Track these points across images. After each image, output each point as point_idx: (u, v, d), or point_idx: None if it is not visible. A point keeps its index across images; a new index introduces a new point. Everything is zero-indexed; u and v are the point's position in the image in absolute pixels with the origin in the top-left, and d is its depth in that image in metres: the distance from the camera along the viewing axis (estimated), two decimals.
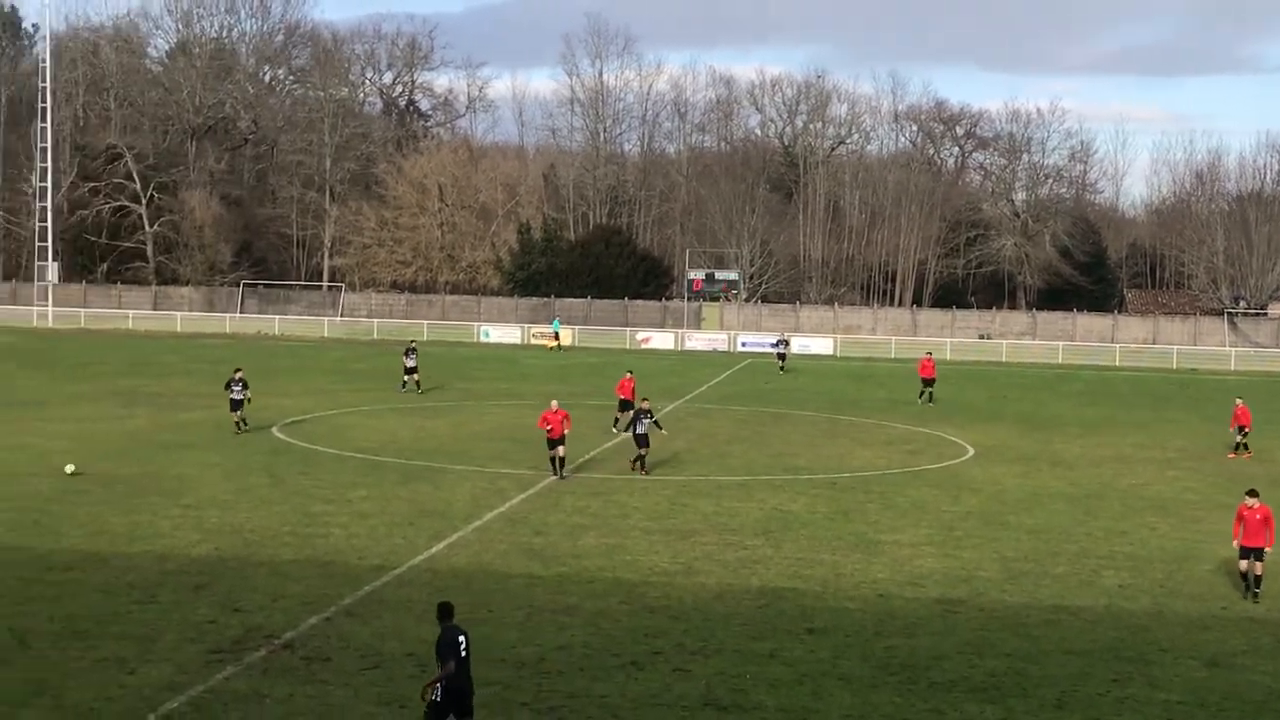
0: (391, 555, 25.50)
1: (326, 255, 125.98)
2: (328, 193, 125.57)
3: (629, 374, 46.49)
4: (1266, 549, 23.81)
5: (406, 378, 55.28)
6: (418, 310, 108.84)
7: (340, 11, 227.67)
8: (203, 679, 18.07)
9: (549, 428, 34.39)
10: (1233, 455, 42.60)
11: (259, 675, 18.37)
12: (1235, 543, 24.19)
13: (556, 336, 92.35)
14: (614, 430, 43.17)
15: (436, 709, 14.95)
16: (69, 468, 32.94)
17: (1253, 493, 24.34)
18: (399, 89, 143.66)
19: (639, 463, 35.69)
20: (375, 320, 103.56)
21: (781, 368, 73.97)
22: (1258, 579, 23.94)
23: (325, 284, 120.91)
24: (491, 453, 39.00)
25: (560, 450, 34.42)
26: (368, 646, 19.64)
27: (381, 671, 18.55)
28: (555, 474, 34.22)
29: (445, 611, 15.64)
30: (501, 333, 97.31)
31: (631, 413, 39.10)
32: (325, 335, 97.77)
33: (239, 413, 41.60)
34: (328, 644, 19.77)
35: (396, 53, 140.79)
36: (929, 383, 57.02)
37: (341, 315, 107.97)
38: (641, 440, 35.77)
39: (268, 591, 22.57)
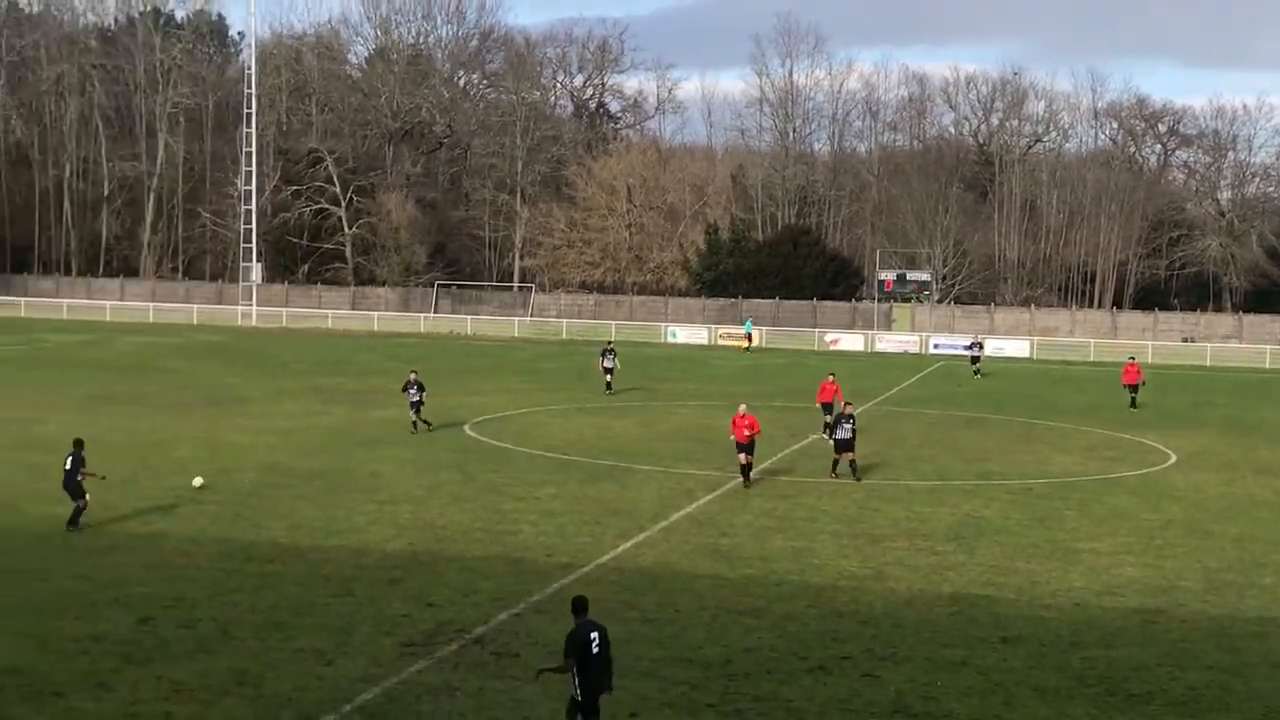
0: (579, 553, 25.68)
1: (517, 256, 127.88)
2: (519, 195, 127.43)
3: (830, 376, 44.60)
4: None
5: (609, 378, 55.83)
6: (606, 311, 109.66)
7: (532, 16, 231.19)
8: (396, 671, 18.42)
9: (736, 432, 33.63)
10: None
11: (450, 669, 18.65)
12: None
13: (749, 337, 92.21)
14: (824, 436, 40.96)
15: (577, 705, 14.96)
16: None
17: None
18: (589, 91, 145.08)
19: (843, 466, 34.57)
20: (564, 320, 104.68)
21: (975, 370, 72.52)
22: None
23: (516, 285, 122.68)
24: (678, 453, 39.04)
25: (748, 459, 33.67)
26: (555, 644, 19.66)
27: None
28: (742, 478, 33.86)
29: (578, 606, 15.33)
30: (688, 333, 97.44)
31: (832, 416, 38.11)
32: (515, 335, 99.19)
33: (415, 414, 42.31)
34: (516, 640, 19.99)
35: (587, 55, 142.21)
36: (1133, 388, 55.39)
37: (531, 315, 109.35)
38: (841, 445, 34.59)
39: (459, 587, 22.91)
